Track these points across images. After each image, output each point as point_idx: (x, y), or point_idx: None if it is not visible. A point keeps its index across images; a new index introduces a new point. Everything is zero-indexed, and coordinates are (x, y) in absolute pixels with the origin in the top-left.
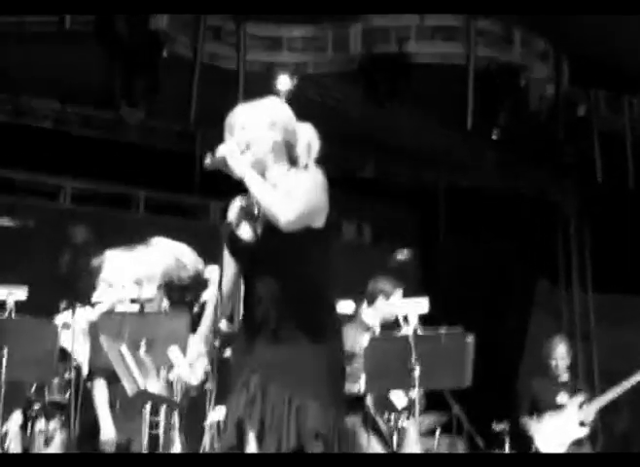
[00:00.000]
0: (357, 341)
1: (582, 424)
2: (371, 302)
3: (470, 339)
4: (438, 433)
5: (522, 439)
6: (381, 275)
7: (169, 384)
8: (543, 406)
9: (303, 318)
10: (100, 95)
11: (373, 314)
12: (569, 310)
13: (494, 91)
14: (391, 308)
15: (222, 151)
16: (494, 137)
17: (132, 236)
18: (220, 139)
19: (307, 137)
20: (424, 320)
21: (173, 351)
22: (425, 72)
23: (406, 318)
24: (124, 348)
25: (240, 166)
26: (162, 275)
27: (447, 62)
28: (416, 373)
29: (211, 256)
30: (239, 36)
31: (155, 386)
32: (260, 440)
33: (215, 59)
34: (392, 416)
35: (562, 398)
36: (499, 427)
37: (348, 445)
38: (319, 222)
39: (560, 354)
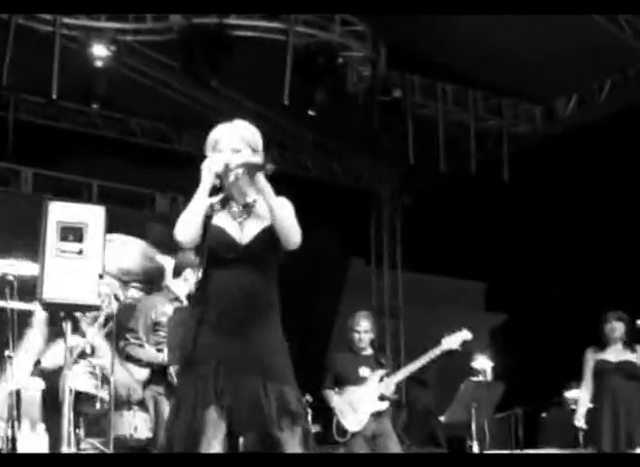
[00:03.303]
0: (164, 311)
1: (382, 398)
2: (178, 273)
3: None
4: None
5: (325, 411)
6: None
7: None
8: (346, 379)
9: (271, 311)
10: None
11: (182, 286)
12: (379, 289)
13: (313, 69)
14: None
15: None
16: (310, 113)
17: None
18: None
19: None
20: None
21: None
22: (245, 46)
23: None
24: None
25: (263, 180)
26: None
27: (267, 37)
28: None
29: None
30: None
31: None
32: (234, 425)
33: (31, 21)
34: None
35: (364, 371)
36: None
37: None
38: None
39: (363, 328)
